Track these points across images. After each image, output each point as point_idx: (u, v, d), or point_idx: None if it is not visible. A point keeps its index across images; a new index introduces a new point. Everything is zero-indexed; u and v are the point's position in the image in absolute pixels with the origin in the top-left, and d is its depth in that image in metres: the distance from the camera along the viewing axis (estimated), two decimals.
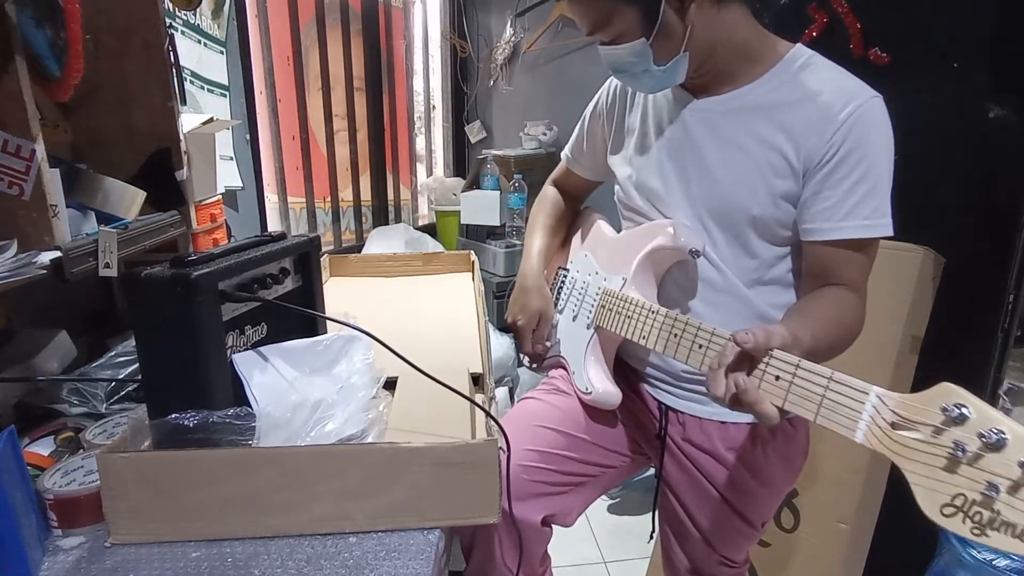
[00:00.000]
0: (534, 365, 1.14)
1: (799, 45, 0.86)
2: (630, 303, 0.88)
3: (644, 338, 0.85)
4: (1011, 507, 0.45)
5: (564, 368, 1.06)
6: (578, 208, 1.20)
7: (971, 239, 1.35)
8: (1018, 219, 1.30)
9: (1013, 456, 0.45)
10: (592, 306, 0.98)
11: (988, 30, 1.30)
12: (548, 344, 1.08)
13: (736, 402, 0.65)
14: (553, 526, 1.01)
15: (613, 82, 1.03)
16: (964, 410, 0.49)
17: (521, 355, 1.16)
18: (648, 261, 0.91)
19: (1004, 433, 0.46)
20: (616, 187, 1.02)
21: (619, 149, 1.00)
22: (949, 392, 0.50)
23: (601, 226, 1.09)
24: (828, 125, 0.79)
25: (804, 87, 0.82)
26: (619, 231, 1.05)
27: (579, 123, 1.11)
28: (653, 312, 0.84)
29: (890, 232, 0.81)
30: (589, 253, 1.05)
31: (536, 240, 1.12)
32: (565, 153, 1.16)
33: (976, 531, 0.47)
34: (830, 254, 0.82)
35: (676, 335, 0.79)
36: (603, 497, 2.09)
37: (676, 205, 0.90)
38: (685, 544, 1.01)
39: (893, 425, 0.53)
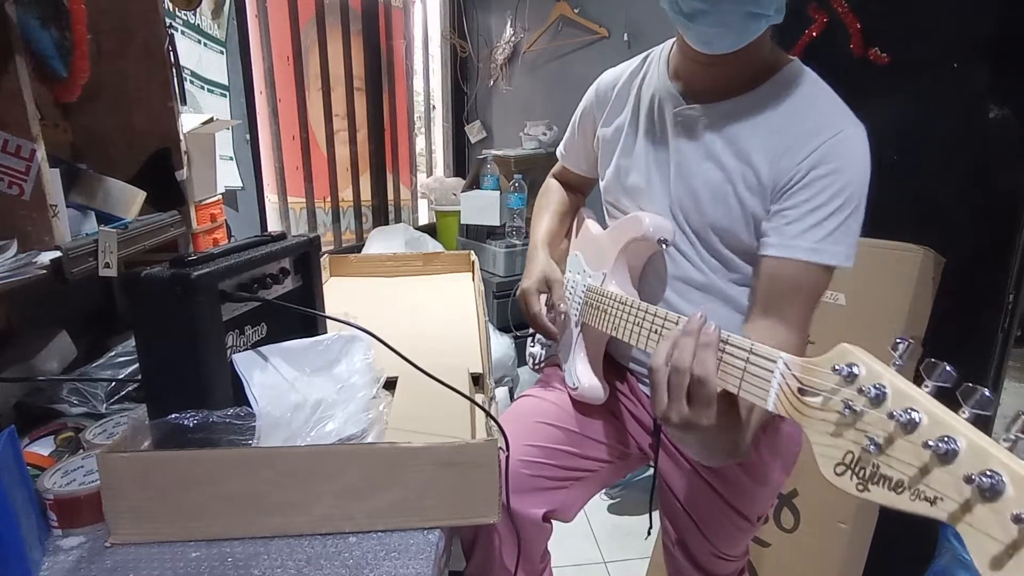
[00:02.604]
0: (538, 365, 1.14)
1: (797, 60, 0.86)
2: (609, 298, 0.90)
3: (615, 330, 0.86)
4: (886, 463, 0.46)
5: (559, 367, 1.07)
6: (582, 200, 1.22)
7: (971, 239, 1.35)
8: (1018, 219, 1.30)
9: (887, 408, 0.45)
10: (579, 305, 1.00)
11: (988, 30, 1.30)
12: (561, 308, 1.00)
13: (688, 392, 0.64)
14: (553, 522, 1.02)
15: (602, 81, 1.04)
16: (854, 368, 0.49)
17: (529, 342, 1.14)
18: (624, 255, 0.93)
19: (884, 387, 0.46)
20: (601, 183, 1.04)
21: (608, 146, 1.01)
22: (844, 353, 0.51)
23: (589, 225, 1.11)
24: (802, 149, 0.79)
25: (792, 107, 0.82)
26: (605, 228, 1.06)
27: (572, 121, 1.13)
28: (624, 304, 0.85)
29: (845, 263, 0.79)
30: (579, 253, 1.07)
31: (542, 224, 1.13)
32: (559, 150, 1.19)
33: (860, 487, 0.47)
34: (776, 275, 0.80)
35: (638, 323, 0.80)
36: (603, 497, 2.09)
37: (658, 203, 0.92)
38: (684, 538, 1.02)
39: (800, 391, 0.54)
